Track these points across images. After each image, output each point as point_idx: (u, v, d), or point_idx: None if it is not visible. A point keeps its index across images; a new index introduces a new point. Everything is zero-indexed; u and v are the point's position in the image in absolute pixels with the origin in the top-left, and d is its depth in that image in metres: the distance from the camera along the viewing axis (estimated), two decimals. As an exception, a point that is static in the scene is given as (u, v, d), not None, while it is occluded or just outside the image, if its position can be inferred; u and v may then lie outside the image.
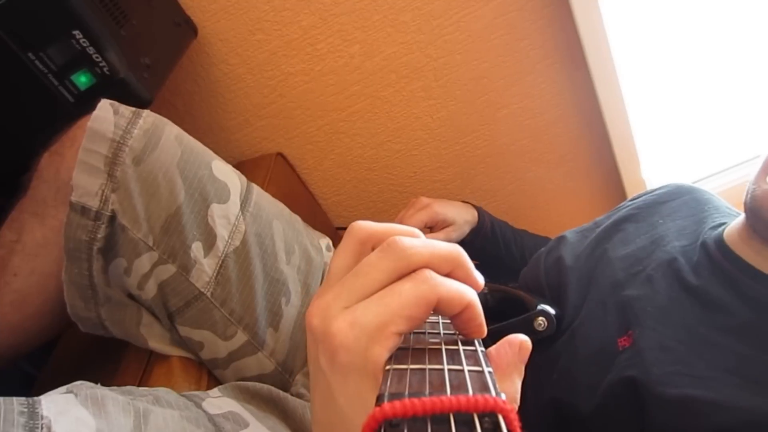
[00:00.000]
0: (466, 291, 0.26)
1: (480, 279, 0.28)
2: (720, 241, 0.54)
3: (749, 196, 0.51)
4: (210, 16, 0.96)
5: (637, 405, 0.46)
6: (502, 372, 0.27)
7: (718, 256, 0.53)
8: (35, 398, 0.40)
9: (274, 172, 1.06)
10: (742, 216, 0.53)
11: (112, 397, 0.43)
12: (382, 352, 0.25)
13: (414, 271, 0.26)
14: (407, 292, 0.25)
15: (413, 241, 0.27)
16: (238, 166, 1.14)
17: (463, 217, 0.84)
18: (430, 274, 0.26)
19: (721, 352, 0.45)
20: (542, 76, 1.07)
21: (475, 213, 0.86)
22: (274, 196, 0.99)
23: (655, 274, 0.55)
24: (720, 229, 0.56)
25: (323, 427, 0.28)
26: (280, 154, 1.13)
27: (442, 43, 1.02)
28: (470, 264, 0.28)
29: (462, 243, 0.84)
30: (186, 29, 0.91)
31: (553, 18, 0.99)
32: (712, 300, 0.49)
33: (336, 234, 1.25)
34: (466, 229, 0.84)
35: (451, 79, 1.07)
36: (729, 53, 1.13)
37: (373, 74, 1.05)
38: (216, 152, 1.13)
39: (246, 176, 1.05)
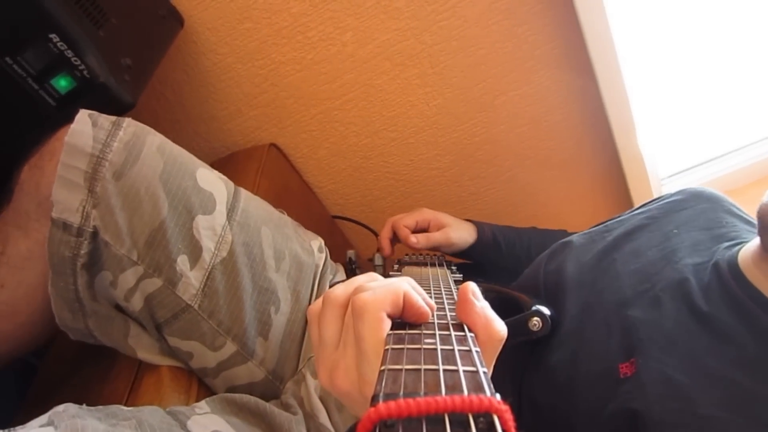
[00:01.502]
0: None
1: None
2: (733, 264, 0.50)
3: (760, 211, 0.46)
4: (197, 5, 0.93)
5: None
6: None
7: (729, 281, 0.49)
8: (15, 433, 0.41)
9: (266, 163, 1.04)
10: (758, 238, 0.48)
11: (92, 427, 0.43)
12: None
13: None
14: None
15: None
16: (231, 156, 1.13)
17: (460, 225, 0.84)
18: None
19: (727, 388, 0.43)
20: (541, 63, 1.03)
21: (473, 227, 0.85)
22: (267, 188, 0.98)
23: (663, 296, 0.51)
24: (735, 249, 0.52)
25: None
26: (273, 145, 1.11)
27: (438, 29, 0.99)
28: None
29: (463, 255, 0.85)
30: (171, 21, 0.88)
31: (553, 2, 0.95)
32: (722, 329, 0.46)
33: (332, 223, 1.24)
34: (465, 235, 0.83)
35: (447, 66, 1.04)
36: (731, 47, 1.10)
37: (366, 62, 1.02)
38: (208, 142, 1.13)
39: (238, 168, 1.05)
